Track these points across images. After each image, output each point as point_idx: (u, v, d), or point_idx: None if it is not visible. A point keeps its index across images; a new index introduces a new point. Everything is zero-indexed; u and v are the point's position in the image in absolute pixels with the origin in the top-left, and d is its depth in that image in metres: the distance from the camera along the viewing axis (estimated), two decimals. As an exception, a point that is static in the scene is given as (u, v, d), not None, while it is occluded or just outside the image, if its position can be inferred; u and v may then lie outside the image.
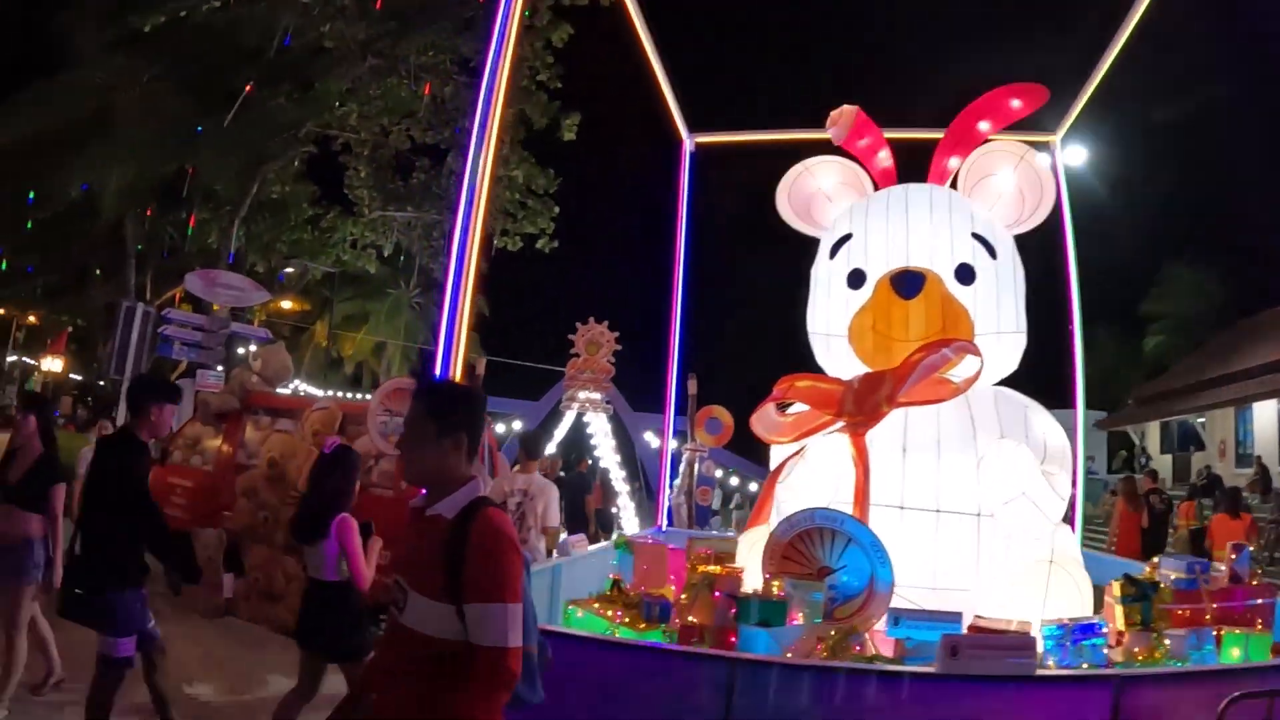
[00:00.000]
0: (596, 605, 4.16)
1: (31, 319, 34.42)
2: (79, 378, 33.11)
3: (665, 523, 9.73)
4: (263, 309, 18.42)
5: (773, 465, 5.13)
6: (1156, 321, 31.32)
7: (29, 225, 23.06)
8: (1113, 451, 29.70)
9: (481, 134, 3.40)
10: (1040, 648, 3.26)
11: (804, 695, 2.98)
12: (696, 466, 12.85)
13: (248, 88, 15.93)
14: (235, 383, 8.50)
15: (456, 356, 3.49)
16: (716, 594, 3.64)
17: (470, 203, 3.51)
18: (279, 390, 8.93)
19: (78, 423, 24.24)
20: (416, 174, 19.58)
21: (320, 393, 16.82)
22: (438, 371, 3.70)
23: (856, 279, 4.76)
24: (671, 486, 13.74)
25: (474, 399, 2.51)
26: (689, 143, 8.04)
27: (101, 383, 21.48)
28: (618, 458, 14.61)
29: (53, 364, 20.63)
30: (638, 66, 6.64)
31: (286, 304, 21.35)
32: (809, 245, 5.38)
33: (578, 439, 16.48)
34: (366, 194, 18.49)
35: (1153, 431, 26.94)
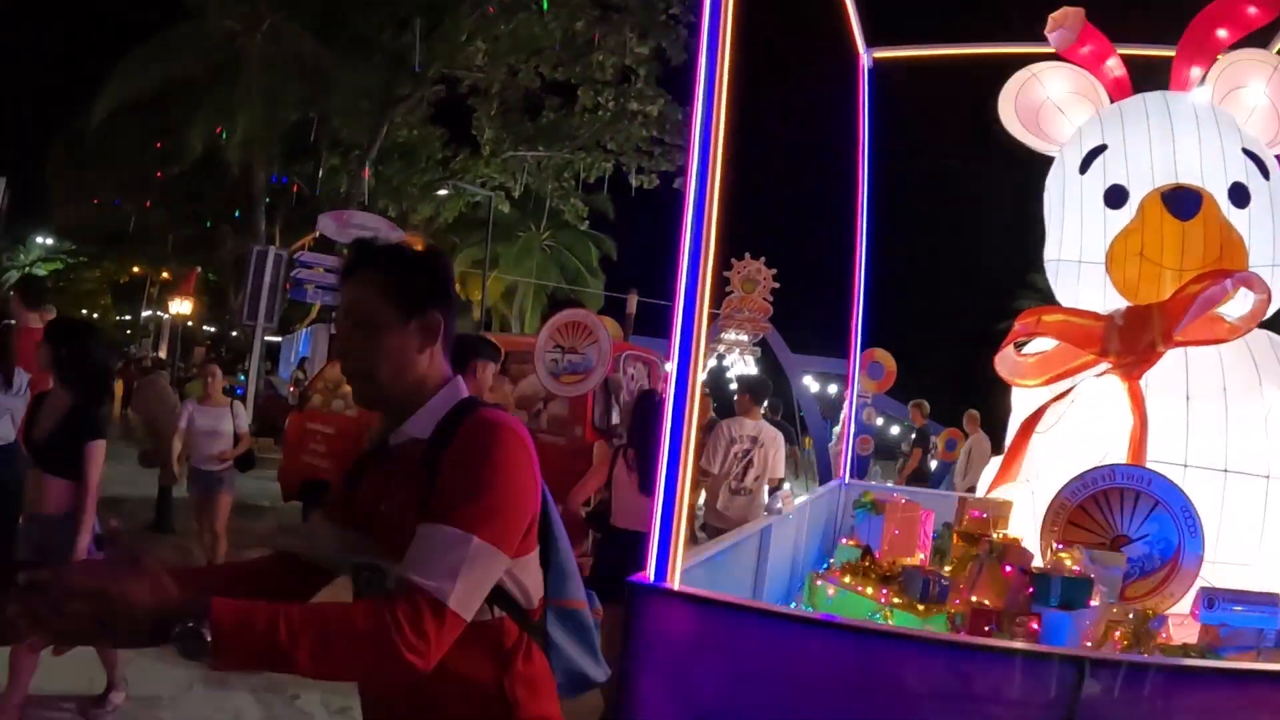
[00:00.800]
0: (848, 579, 3.55)
1: (165, 275, 35.64)
2: (212, 329, 34.05)
3: (848, 475, 8.60)
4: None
5: (1016, 411, 4.48)
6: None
7: (159, 179, 23.56)
8: None
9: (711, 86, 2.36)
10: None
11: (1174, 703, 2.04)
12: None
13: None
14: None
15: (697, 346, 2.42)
16: (1007, 568, 3.04)
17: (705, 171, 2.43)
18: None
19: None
20: (545, 113, 18.79)
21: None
22: (675, 368, 2.57)
23: (1116, 197, 4.16)
24: (831, 435, 12.67)
25: (442, 261, 1.70)
26: (866, 58, 6.82)
27: (235, 334, 21.57)
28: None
29: (181, 306, 19.76)
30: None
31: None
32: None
33: (716, 385, 15.47)
34: (494, 134, 17.77)
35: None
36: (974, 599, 3.11)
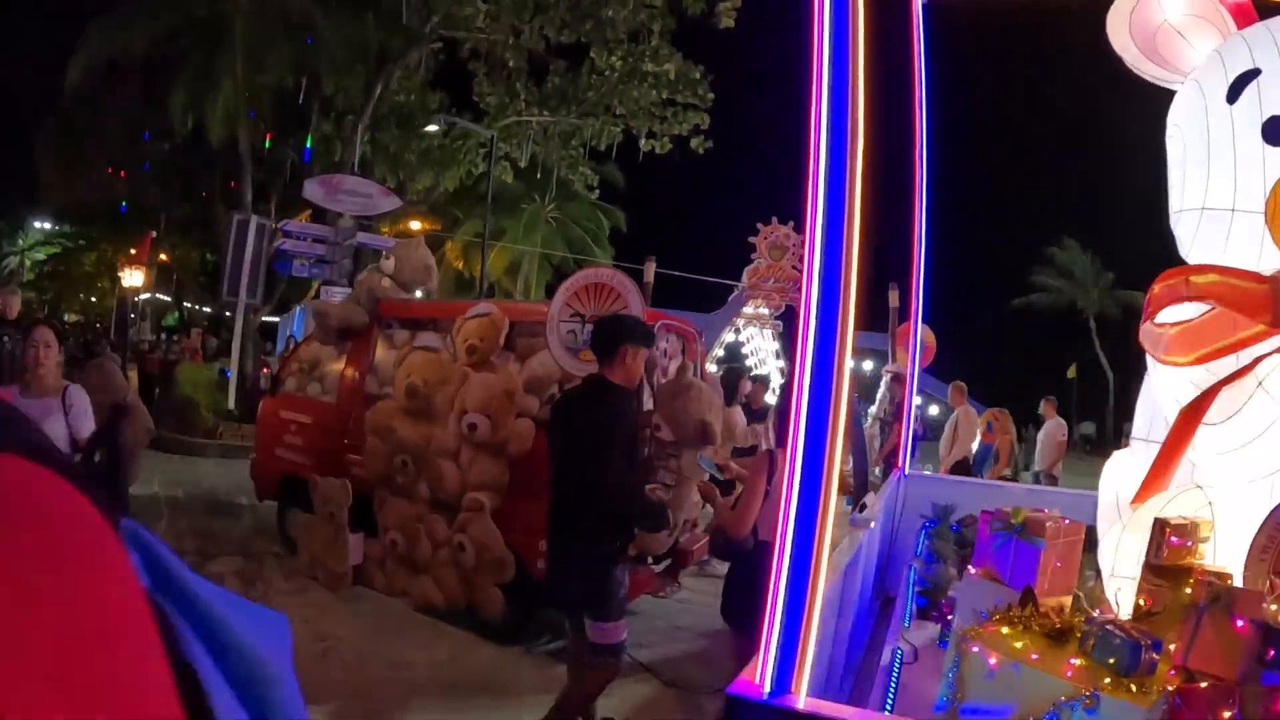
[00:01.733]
0: (1017, 642, 2.50)
1: (163, 257, 34.69)
2: (208, 309, 33.07)
3: (908, 464, 7.57)
4: (391, 226, 16.77)
5: (1159, 395, 3.48)
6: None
7: (150, 155, 22.63)
8: None
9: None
10: None
11: None
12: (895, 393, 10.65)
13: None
14: (362, 289, 6.52)
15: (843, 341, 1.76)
16: (1239, 621, 2.20)
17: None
18: (418, 296, 6.88)
19: (207, 352, 24.00)
20: (551, 77, 17.59)
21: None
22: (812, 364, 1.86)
23: (1278, 131, 3.34)
24: (867, 415, 11.69)
25: None
26: (919, -2, 5.79)
27: (229, 313, 20.45)
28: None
29: (133, 278, 16.95)
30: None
31: (415, 224, 19.76)
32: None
33: (732, 361, 14.41)
34: (496, 99, 16.60)
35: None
36: (1190, 665, 2.23)
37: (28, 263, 43.92)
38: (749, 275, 13.56)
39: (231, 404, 11.67)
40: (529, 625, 5.33)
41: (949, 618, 4.19)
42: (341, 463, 6.19)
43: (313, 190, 11.57)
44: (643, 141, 17.41)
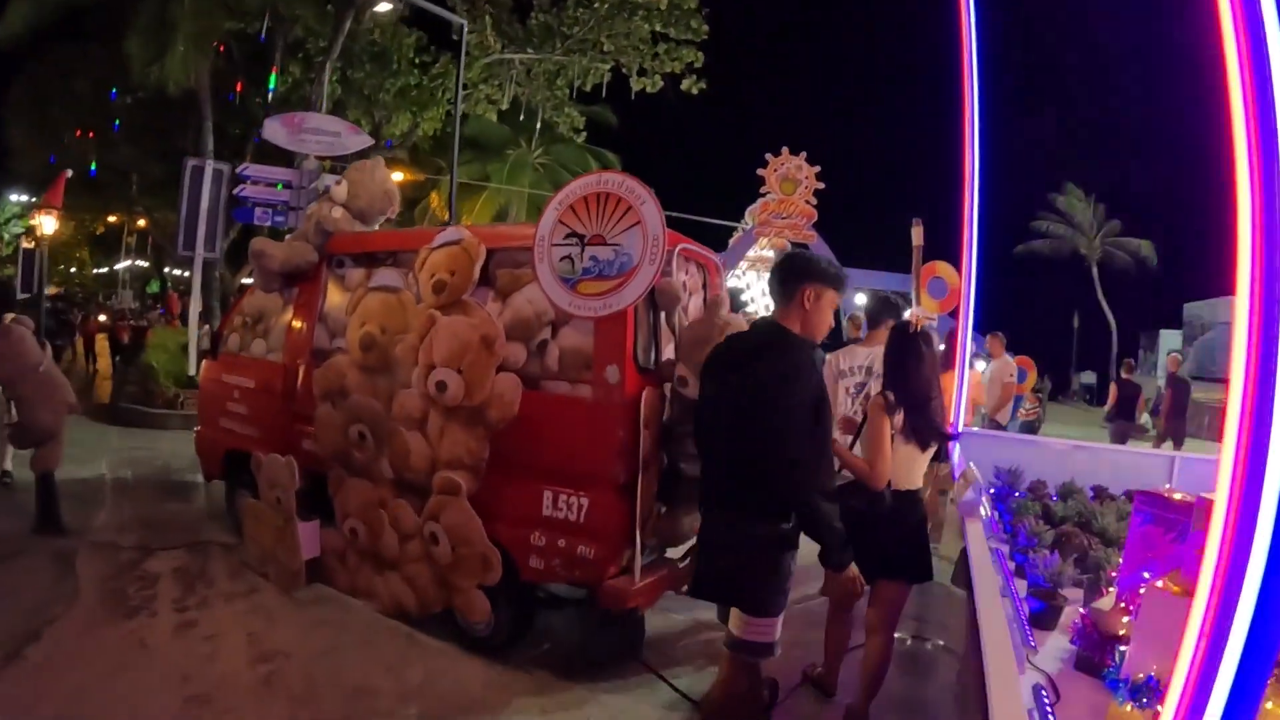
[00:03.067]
0: None
1: (141, 223, 33.40)
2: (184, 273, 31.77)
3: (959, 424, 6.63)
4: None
5: None
6: None
7: (119, 115, 21.36)
8: None
9: None
10: None
11: None
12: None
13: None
14: (309, 223, 5.33)
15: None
16: None
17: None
18: (376, 228, 5.64)
19: (186, 317, 22.88)
20: (535, 14, 16.21)
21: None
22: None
23: None
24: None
25: None
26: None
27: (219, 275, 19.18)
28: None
29: (46, 223, 14.83)
30: None
31: (397, 175, 18.42)
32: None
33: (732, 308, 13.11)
34: (477, 38, 15.22)
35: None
36: None
37: (5, 236, 42.54)
38: (759, 211, 12.35)
39: (193, 370, 10.51)
40: (524, 634, 4.23)
41: (1098, 638, 3.09)
42: (290, 435, 5.05)
43: (274, 130, 10.29)
44: (633, 80, 16.12)
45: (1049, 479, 5.41)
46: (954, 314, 11.93)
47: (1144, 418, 13.37)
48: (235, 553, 5.55)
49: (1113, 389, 12.13)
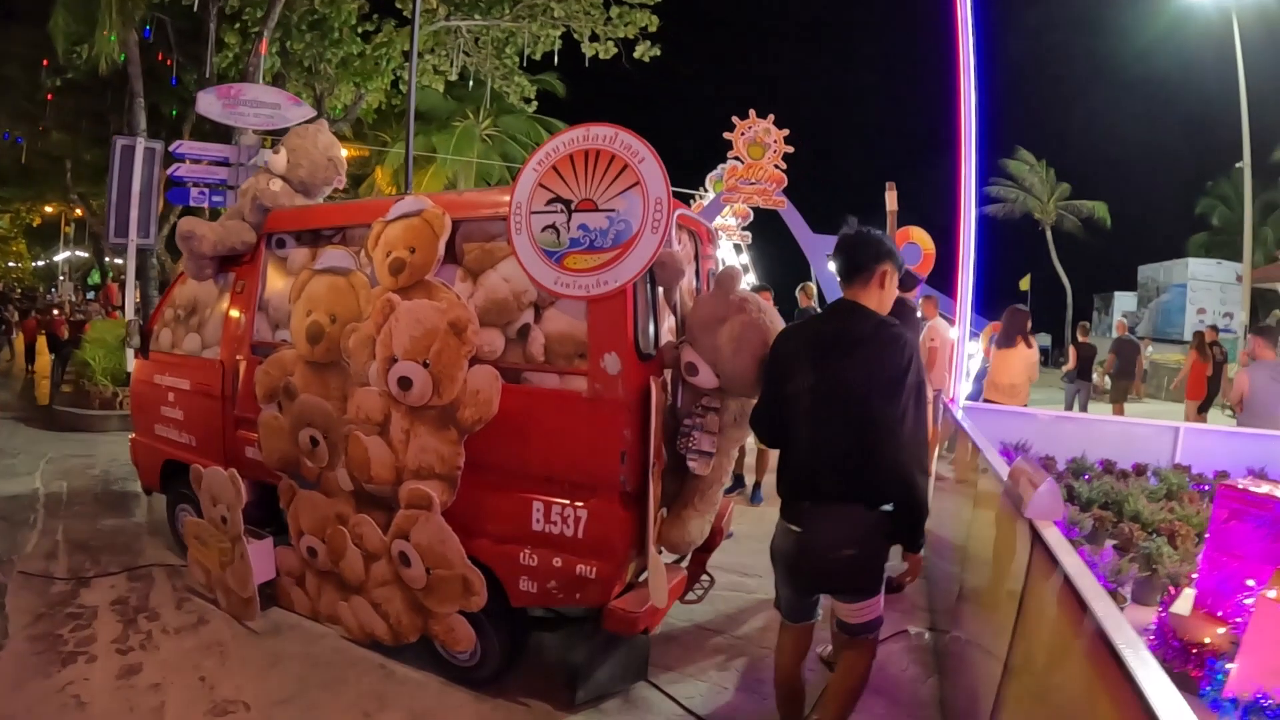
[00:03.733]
0: None
1: (78, 212, 31.96)
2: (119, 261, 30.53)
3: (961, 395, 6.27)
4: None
5: None
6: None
7: (50, 100, 20.19)
8: (1265, 310, 25.47)
9: None
10: None
11: None
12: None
13: None
14: (245, 199, 4.65)
15: None
16: None
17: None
18: (321, 201, 4.95)
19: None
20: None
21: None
22: None
23: None
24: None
25: None
26: None
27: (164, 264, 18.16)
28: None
29: None
30: None
31: (341, 152, 17.51)
32: None
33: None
34: (422, 2, 14.36)
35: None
36: None
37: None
38: (725, 177, 11.80)
39: (131, 367, 9.72)
40: (516, 662, 3.69)
41: (1180, 646, 2.64)
42: (232, 443, 4.42)
43: (208, 103, 9.45)
44: (585, 47, 15.35)
45: (1051, 453, 5.00)
46: (930, 280, 11.54)
47: (1104, 380, 13.66)
48: (181, 576, 4.92)
49: (1072, 351, 12.59)
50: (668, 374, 3.36)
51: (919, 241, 11.33)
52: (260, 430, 4.04)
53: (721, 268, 3.39)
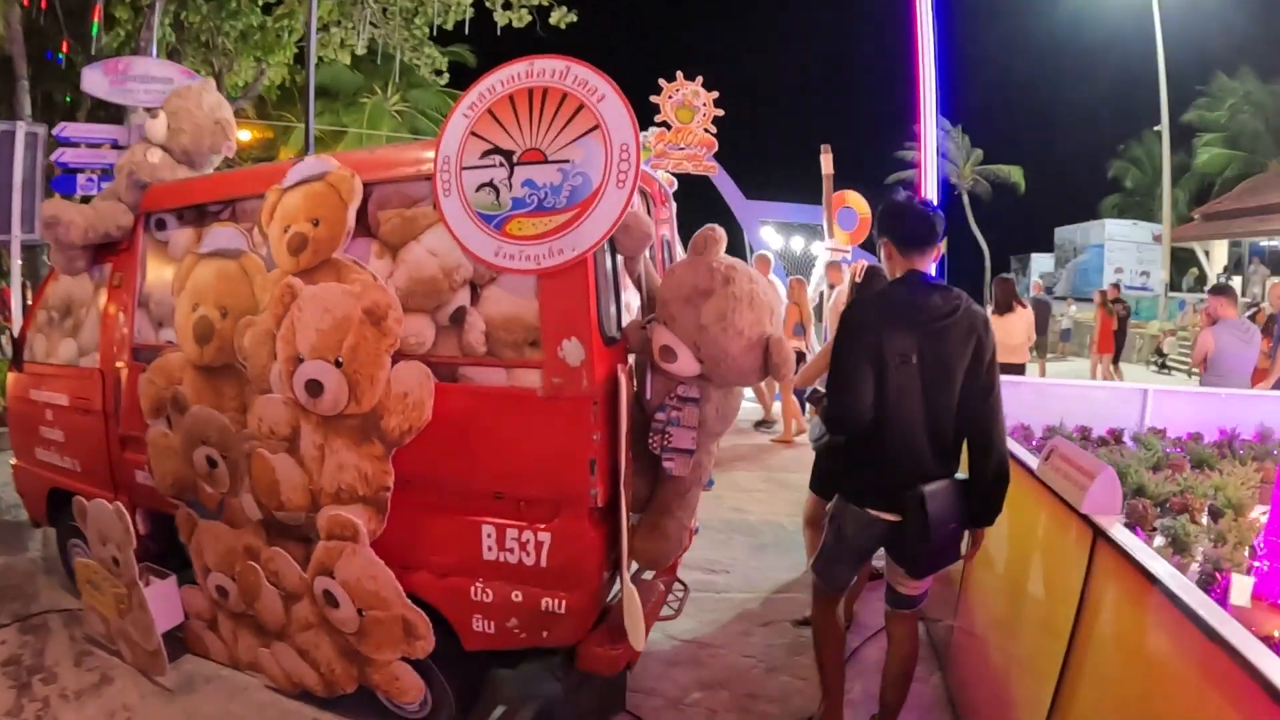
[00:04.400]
0: None
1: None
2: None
3: None
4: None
5: None
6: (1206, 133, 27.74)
7: None
8: (1181, 269, 26.68)
9: None
10: None
11: None
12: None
13: None
14: (121, 176, 3.92)
15: None
16: None
17: None
18: (209, 172, 4.20)
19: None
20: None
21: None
22: None
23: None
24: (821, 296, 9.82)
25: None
26: None
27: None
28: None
29: None
30: None
31: (244, 134, 16.46)
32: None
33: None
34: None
35: (1218, 250, 23.90)
36: None
37: None
38: (653, 141, 11.24)
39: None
40: (473, 706, 3.12)
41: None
42: (119, 467, 3.73)
43: (93, 79, 8.47)
44: (498, 15, 14.54)
45: (1025, 421, 4.68)
46: (866, 244, 11.19)
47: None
48: (80, 623, 4.21)
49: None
50: (631, 360, 2.80)
51: (854, 206, 10.94)
52: (149, 451, 3.37)
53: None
